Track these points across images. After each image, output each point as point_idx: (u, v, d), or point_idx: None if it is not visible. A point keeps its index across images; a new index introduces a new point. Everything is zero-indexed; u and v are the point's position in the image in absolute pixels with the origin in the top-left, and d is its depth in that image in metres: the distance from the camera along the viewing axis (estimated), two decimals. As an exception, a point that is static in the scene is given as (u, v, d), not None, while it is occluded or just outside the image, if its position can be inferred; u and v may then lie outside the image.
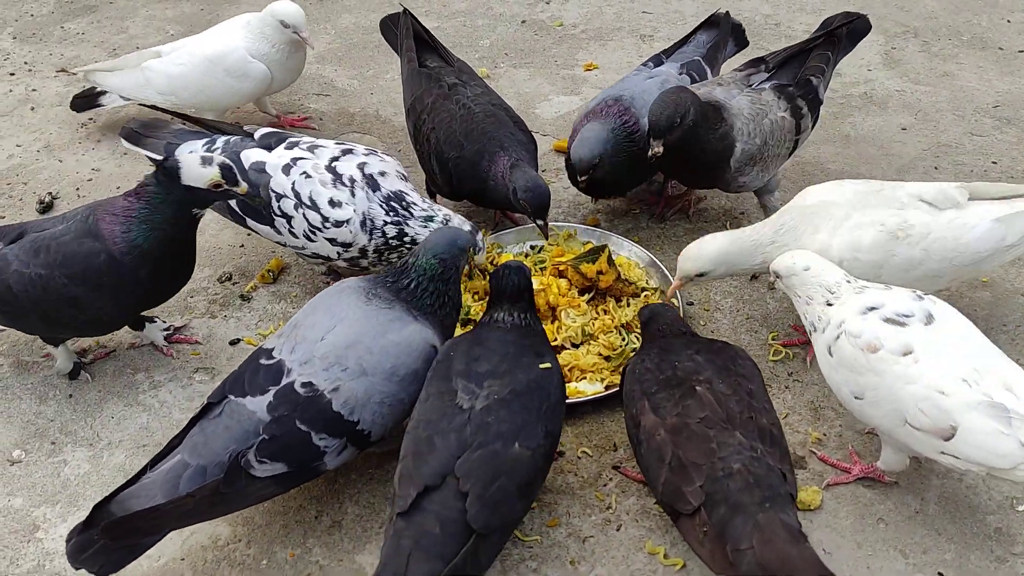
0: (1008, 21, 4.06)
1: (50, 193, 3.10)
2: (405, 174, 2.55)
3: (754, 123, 2.59)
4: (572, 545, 2.01)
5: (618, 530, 2.04)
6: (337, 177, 2.42)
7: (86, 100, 3.35)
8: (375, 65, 3.85)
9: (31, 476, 2.20)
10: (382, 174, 2.47)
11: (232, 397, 1.92)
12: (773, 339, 2.49)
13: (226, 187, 2.13)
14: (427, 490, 1.72)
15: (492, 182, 2.63)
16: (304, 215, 2.41)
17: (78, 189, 3.15)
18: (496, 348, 1.95)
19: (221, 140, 2.56)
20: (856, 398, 1.93)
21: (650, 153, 2.51)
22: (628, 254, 2.68)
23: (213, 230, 2.92)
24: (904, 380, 1.85)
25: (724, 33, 3.06)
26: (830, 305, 2.00)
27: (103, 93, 3.30)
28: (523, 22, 4.16)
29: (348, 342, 1.94)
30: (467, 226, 2.41)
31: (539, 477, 1.86)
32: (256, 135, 2.57)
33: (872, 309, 1.94)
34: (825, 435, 2.22)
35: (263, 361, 1.96)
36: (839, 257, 2.20)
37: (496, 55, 3.91)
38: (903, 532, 2.00)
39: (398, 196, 2.43)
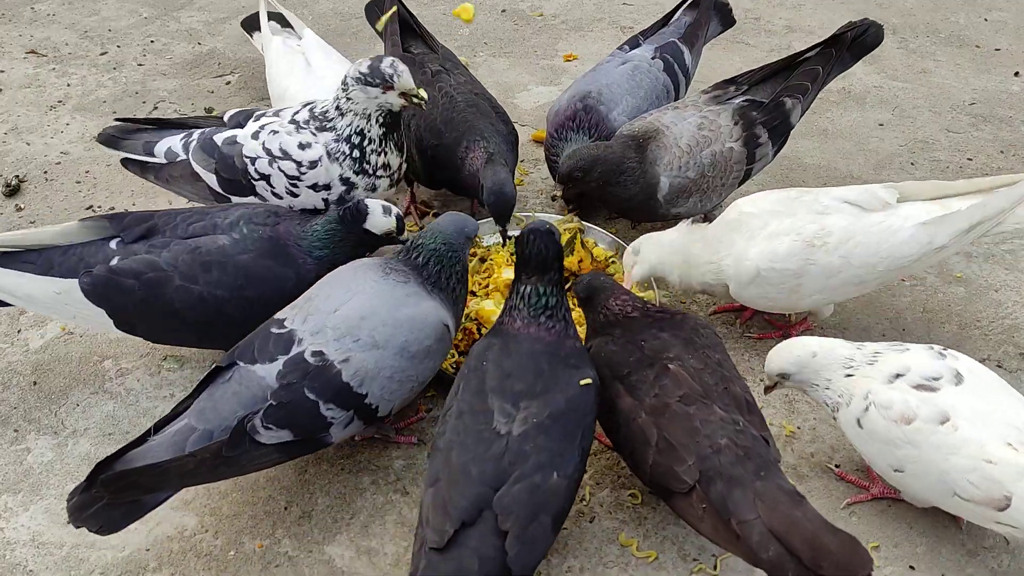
0: (985, 19, 4.09)
1: (17, 176, 3.04)
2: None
3: (689, 156, 2.50)
4: (545, 537, 1.99)
5: (591, 522, 2.02)
6: (297, 124, 2.42)
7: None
8: (353, 52, 3.79)
9: (-8, 464, 2.15)
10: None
11: (241, 364, 1.90)
12: (746, 333, 2.49)
13: (394, 235, 2.21)
14: (463, 525, 1.63)
15: (467, 172, 2.60)
16: (280, 168, 2.39)
17: (46, 172, 3.09)
18: (529, 363, 1.84)
19: (197, 133, 2.53)
20: (896, 471, 1.86)
21: (552, 194, 2.55)
22: (606, 246, 2.66)
23: (182, 203, 2.86)
24: (946, 451, 1.76)
25: (705, 12, 3.03)
26: (849, 376, 1.90)
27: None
28: (503, 11, 4.13)
29: (362, 314, 1.91)
30: (364, 64, 2.31)
31: (571, 503, 1.78)
32: (226, 117, 2.55)
33: (899, 376, 1.85)
34: (799, 428, 2.22)
35: (274, 330, 1.93)
36: (756, 268, 2.19)
37: (476, 44, 3.88)
38: (875, 525, 2.01)
39: (322, 116, 2.40)
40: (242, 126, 2.48)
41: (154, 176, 2.57)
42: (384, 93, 2.32)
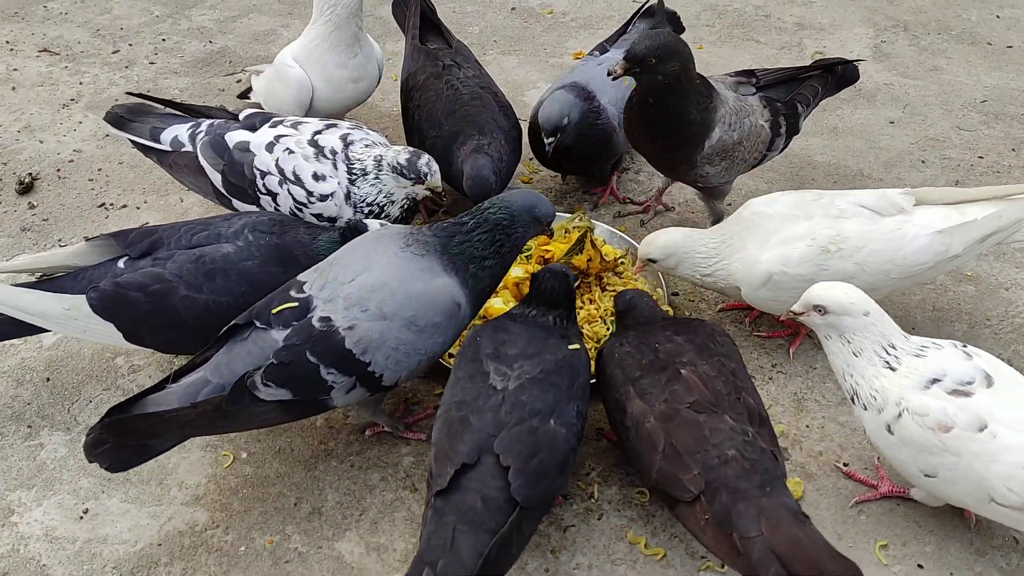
0: (997, 16, 4.06)
1: (30, 173, 3.06)
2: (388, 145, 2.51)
3: (736, 117, 2.51)
4: (553, 534, 2.00)
5: (599, 519, 2.03)
6: (319, 150, 2.40)
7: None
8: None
9: (6, 460, 2.17)
10: (363, 142, 2.44)
11: (258, 324, 1.93)
12: (755, 332, 2.48)
13: None
14: (464, 468, 1.71)
15: (456, 166, 2.61)
16: (289, 191, 2.39)
17: (59, 170, 3.11)
18: (522, 333, 1.97)
19: (205, 123, 2.54)
20: (928, 476, 1.83)
21: (611, 70, 2.31)
22: (615, 245, 2.66)
23: (199, 211, 2.89)
24: (986, 458, 1.74)
25: (661, 21, 3.07)
26: (891, 369, 1.83)
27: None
28: (513, 9, 4.13)
29: (374, 285, 1.92)
30: (404, 154, 2.35)
31: (573, 455, 1.84)
32: (241, 116, 2.55)
33: (935, 382, 1.81)
34: (808, 426, 2.22)
35: (293, 293, 1.96)
36: (768, 272, 2.18)
37: (485, 42, 3.88)
38: (883, 524, 2.01)
39: (350, 162, 2.40)
40: (255, 129, 2.48)
41: (157, 159, 2.59)
42: (413, 186, 2.37)
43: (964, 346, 1.89)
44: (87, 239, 2.23)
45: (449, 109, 2.68)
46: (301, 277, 2.00)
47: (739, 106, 2.53)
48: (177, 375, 1.93)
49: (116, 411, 1.87)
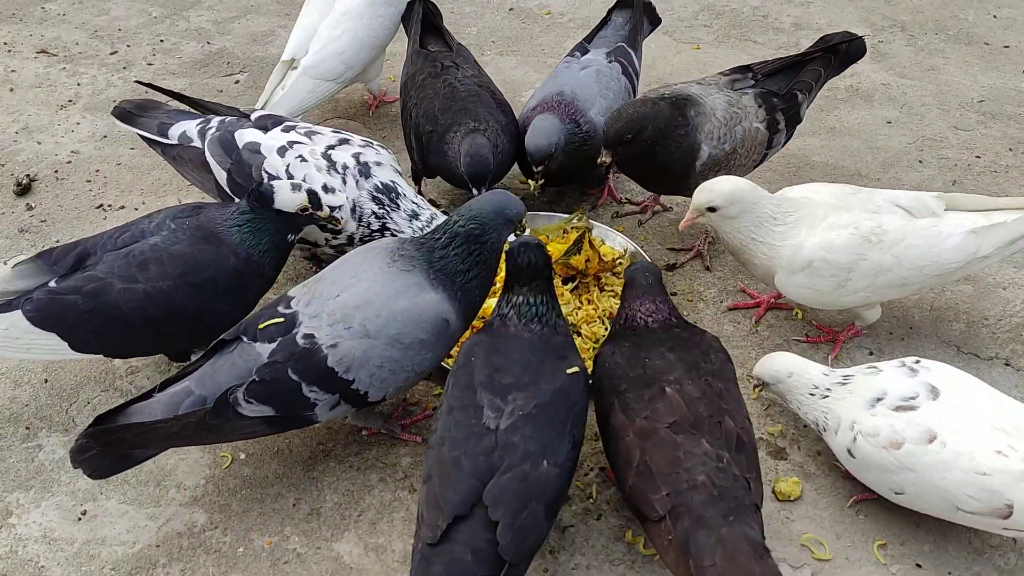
0: (994, 16, 4.07)
1: (28, 175, 3.06)
2: (399, 169, 2.52)
3: (726, 127, 2.49)
4: (552, 535, 2.00)
5: (598, 519, 2.03)
6: (332, 164, 2.39)
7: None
8: (360, 51, 3.81)
9: (4, 461, 2.17)
10: (377, 164, 2.43)
11: (244, 339, 1.94)
12: (791, 336, 2.48)
13: (311, 211, 2.14)
14: (456, 520, 1.65)
15: (452, 155, 2.61)
16: None
17: (56, 172, 3.11)
18: (517, 357, 1.85)
19: (216, 120, 2.53)
20: (898, 494, 1.89)
21: (599, 160, 2.49)
22: (613, 244, 2.66)
23: (193, 200, 2.88)
24: (941, 469, 1.79)
25: (638, 13, 3.07)
26: (824, 398, 1.98)
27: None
28: (511, 10, 4.13)
29: (358, 302, 1.91)
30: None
31: (564, 491, 1.80)
32: (252, 116, 2.54)
33: (879, 400, 1.89)
34: (807, 426, 2.22)
35: (280, 308, 1.96)
36: (809, 256, 2.17)
37: (483, 43, 3.88)
38: (882, 523, 2.01)
39: (388, 188, 2.39)
40: (266, 130, 2.47)
41: (161, 152, 2.58)
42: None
43: (915, 362, 1.96)
44: (14, 265, 2.16)
45: (445, 105, 2.69)
46: (290, 292, 2.00)
47: (729, 115, 2.51)
48: (164, 385, 1.94)
49: (103, 419, 1.89)
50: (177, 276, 2.06)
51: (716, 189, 2.21)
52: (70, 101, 3.47)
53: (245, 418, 1.87)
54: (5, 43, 3.86)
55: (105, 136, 3.28)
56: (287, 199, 2.11)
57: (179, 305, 2.07)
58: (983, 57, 3.78)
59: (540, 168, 2.64)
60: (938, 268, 2.20)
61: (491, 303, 2.38)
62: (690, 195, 2.51)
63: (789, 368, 2.06)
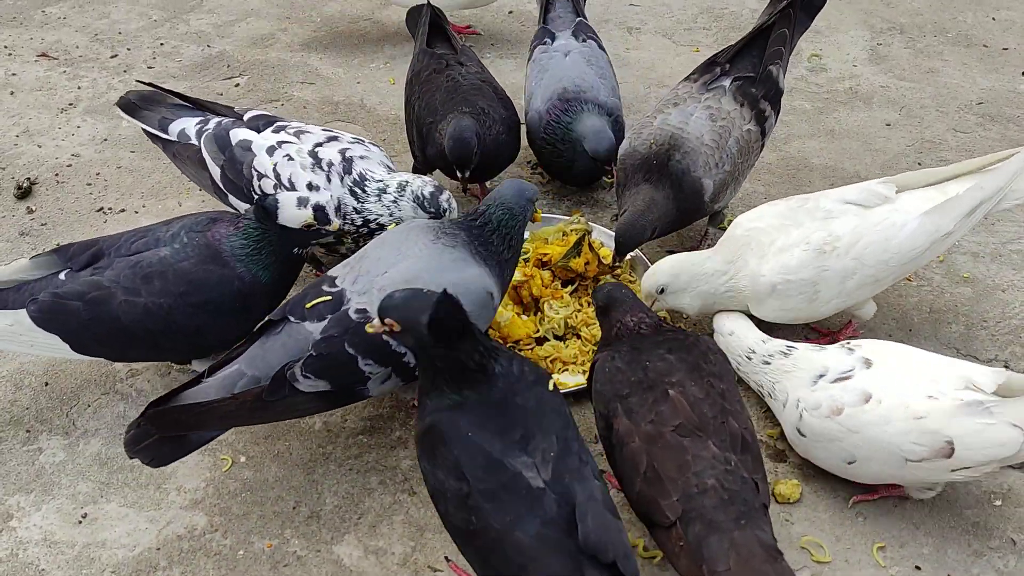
0: (993, 19, 4.08)
1: (28, 178, 3.06)
2: (390, 164, 2.52)
3: (719, 151, 2.46)
4: (551, 537, 2.00)
5: (598, 522, 2.03)
6: (317, 162, 2.41)
7: None
8: (360, 54, 3.82)
9: (5, 464, 2.17)
10: (361, 158, 2.44)
11: (292, 319, 1.96)
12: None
13: (317, 227, 2.14)
14: None
15: (440, 140, 2.62)
16: None
17: (57, 175, 3.11)
18: (496, 413, 1.68)
19: (213, 120, 2.56)
20: (849, 464, 1.95)
21: (611, 266, 2.51)
22: (613, 247, 2.66)
23: (217, 202, 2.89)
24: (881, 424, 1.87)
25: None
26: (766, 364, 2.11)
27: None
28: (510, 12, 4.14)
29: (408, 277, 1.94)
30: (429, 187, 2.35)
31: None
32: (245, 117, 2.57)
33: (820, 377, 1.99)
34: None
35: (326, 287, 1.98)
36: (771, 283, 2.19)
37: (483, 46, 3.89)
38: (881, 526, 2.01)
39: (361, 177, 2.39)
40: (259, 131, 2.49)
41: (162, 147, 2.62)
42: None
43: (851, 344, 2.05)
44: (32, 258, 2.20)
45: (447, 97, 2.72)
46: (331, 272, 2.04)
47: (717, 133, 2.47)
48: (212, 370, 1.96)
49: (155, 405, 1.90)
50: (178, 295, 2.07)
51: (658, 271, 2.30)
52: (70, 104, 3.48)
53: (301, 394, 1.89)
54: (6, 47, 3.87)
55: (105, 139, 3.28)
56: (291, 215, 2.10)
57: (178, 323, 2.08)
58: (982, 59, 3.78)
59: (611, 168, 2.70)
60: (903, 257, 2.19)
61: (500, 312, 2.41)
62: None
63: (732, 327, 2.16)
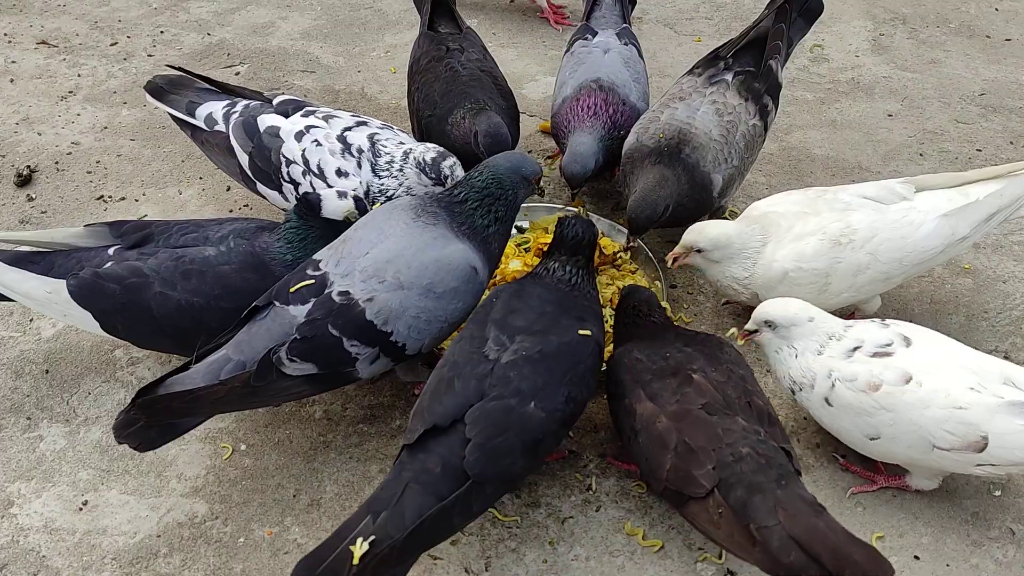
0: (996, 9, 4.06)
1: (28, 166, 3.05)
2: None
3: (727, 145, 2.46)
4: (551, 525, 2.01)
5: (597, 511, 2.04)
6: (347, 147, 2.41)
7: None
8: (361, 42, 3.81)
9: (6, 451, 2.17)
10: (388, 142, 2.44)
11: (277, 304, 1.97)
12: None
13: (359, 218, 2.15)
14: (435, 429, 1.74)
15: (455, 132, 2.60)
16: (311, 182, 2.40)
17: (57, 163, 3.11)
18: (536, 305, 1.96)
19: (241, 104, 2.56)
20: (872, 439, 1.93)
21: (626, 247, 2.50)
22: (615, 238, 2.66)
23: (217, 190, 2.89)
24: (920, 407, 1.84)
25: None
26: (820, 355, 1.97)
27: None
28: (512, 1, 4.12)
29: (389, 257, 1.96)
30: (431, 153, 2.35)
31: (551, 439, 1.86)
32: (275, 101, 2.57)
33: (856, 349, 1.94)
34: (806, 419, 2.23)
35: (309, 271, 1.99)
36: (783, 270, 2.18)
37: (484, 34, 3.85)
38: (880, 516, 2.01)
39: (376, 155, 2.39)
40: (287, 116, 2.49)
41: (191, 134, 2.63)
42: (433, 186, 2.35)
43: (884, 320, 2.01)
44: (87, 225, 2.25)
45: (446, 89, 2.69)
46: (316, 256, 2.04)
47: (725, 129, 2.47)
48: (199, 356, 1.97)
49: (145, 392, 1.90)
50: (213, 297, 2.08)
51: (704, 234, 2.25)
52: (70, 92, 3.47)
53: (288, 377, 1.90)
54: (5, 34, 3.85)
55: (105, 127, 3.27)
56: (334, 207, 2.15)
57: (207, 324, 2.07)
58: (985, 50, 3.77)
59: (576, 191, 2.71)
60: (917, 257, 2.19)
61: (511, 264, 2.46)
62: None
63: (811, 313, 2.00)
